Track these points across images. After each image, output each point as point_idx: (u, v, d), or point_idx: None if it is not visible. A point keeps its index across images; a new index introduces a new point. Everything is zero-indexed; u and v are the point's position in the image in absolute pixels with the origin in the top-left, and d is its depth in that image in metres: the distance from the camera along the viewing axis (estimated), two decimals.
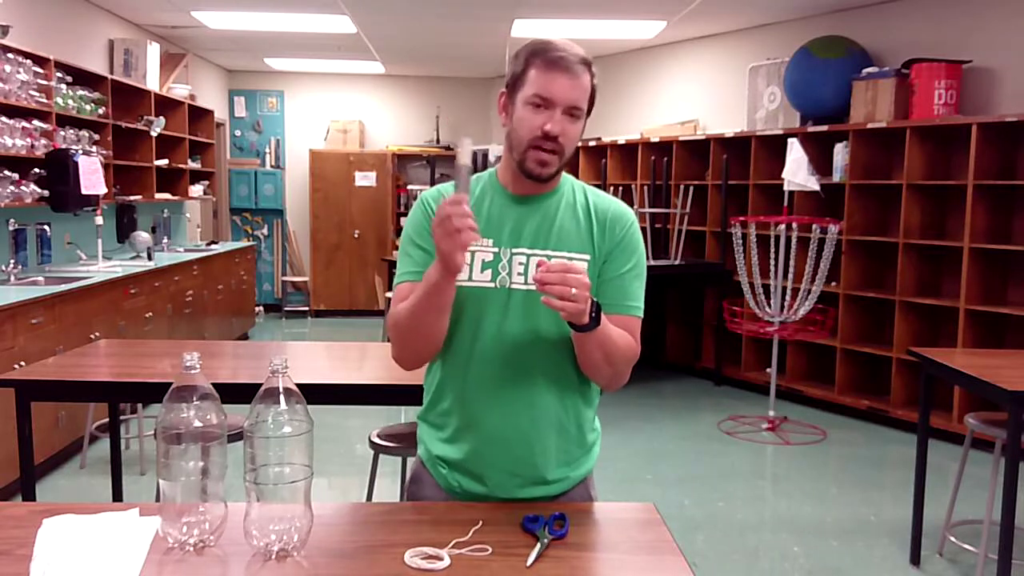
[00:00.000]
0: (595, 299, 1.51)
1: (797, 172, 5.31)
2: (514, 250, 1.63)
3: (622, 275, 1.65)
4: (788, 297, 5.37)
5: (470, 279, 1.62)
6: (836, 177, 5.76)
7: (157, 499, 1.50)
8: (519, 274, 1.62)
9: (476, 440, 1.65)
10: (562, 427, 1.67)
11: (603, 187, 6.78)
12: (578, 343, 1.57)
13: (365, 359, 3.27)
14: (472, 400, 1.64)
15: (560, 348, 1.63)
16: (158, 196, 6.89)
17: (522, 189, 1.66)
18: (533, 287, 1.55)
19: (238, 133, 10.03)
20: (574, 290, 1.43)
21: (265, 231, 9.99)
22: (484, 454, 1.65)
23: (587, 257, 1.64)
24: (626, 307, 1.65)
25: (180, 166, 7.38)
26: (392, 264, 7.11)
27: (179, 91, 7.43)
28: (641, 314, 1.68)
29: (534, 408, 1.63)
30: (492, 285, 1.62)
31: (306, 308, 9.90)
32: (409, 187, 9.90)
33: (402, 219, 8.64)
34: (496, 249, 1.63)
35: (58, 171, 5.01)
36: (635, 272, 1.67)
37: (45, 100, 4.96)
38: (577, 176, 9.53)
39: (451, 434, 1.68)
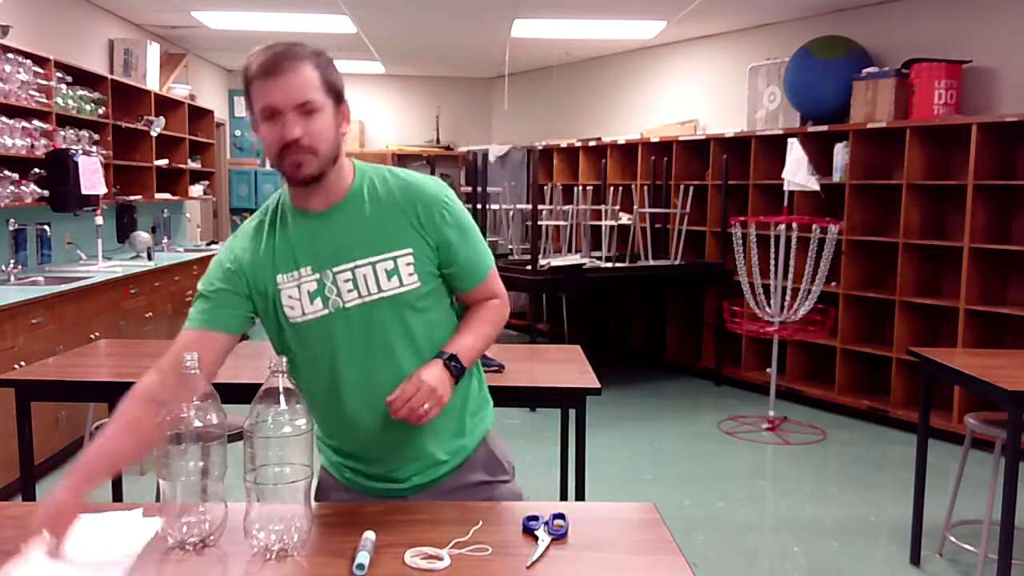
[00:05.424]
0: (445, 357, 1.58)
1: (797, 172, 5.30)
2: (335, 269, 1.58)
3: (465, 256, 1.65)
4: (788, 297, 5.37)
5: (303, 314, 1.59)
6: (836, 177, 5.76)
7: (157, 499, 1.50)
8: (349, 291, 1.58)
9: (368, 455, 1.68)
10: (445, 409, 1.62)
11: (603, 187, 6.77)
12: None
13: None
14: (352, 424, 1.64)
15: (418, 342, 1.62)
16: (158, 196, 6.89)
17: (316, 203, 1.60)
18: (368, 299, 1.58)
19: (238, 133, 10.03)
20: (426, 405, 1.50)
21: None
22: (380, 463, 1.68)
23: (410, 251, 1.59)
24: (479, 276, 1.69)
25: (180, 166, 7.38)
26: None
27: (179, 91, 7.43)
28: (492, 263, 1.71)
29: None
30: (327, 311, 1.58)
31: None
32: None
33: None
34: (317, 275, 1.58)
35: (58, 171, 5.01)
36: (472, 243, 1.66)
37: (45, 100, 4.96)
38: (577, 176, 9.42)
39: (346, 453, 1.71)
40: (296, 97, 1.48)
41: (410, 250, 1.59)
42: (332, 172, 1.57)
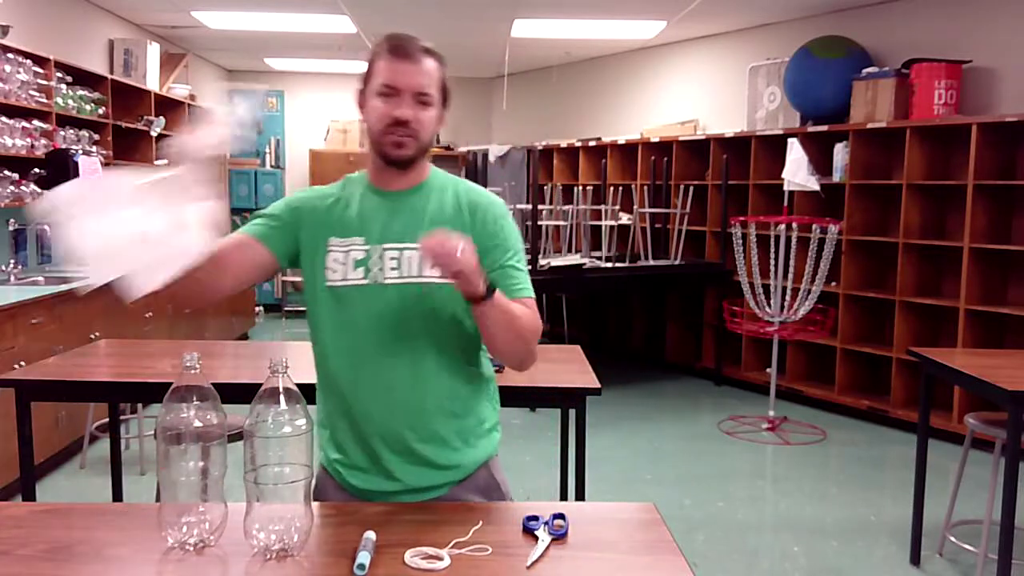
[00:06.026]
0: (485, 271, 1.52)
1: (797, 172, 5.30)
2: (385, 246, 1.65)
3: (505, 267, 1.67)
4: (788, 297, 5.37)
5: (344, 278, 1.65)
6: (836, 177, 5.76)
7: (157, 499, 1.50)
8: (392, 268, 1.64)
9: (368, 439, 1.67)
10: (453, 413, 1.69)
11: (603, 187, 6.77)
12: (481, 321, 1.57)
13: None
14: (359, 400, 1.66)
15: (442, 337, 1.65)
16: None
17: (390, 184, 1.70)
18: (407, 280, 1.62)
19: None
20: (461, 246, 1.43)
21: None
22: (374, 455, 1.67)
23: None
24: (516, 291, 1.67)
25: None
26: None
27: (179, 91, 7.42)
28: (532, 295, 1.71)
29: (424, 400, 1.65)
30: (365, 282, 1.64)
31: (306, 308, 9.89)
32: None
33: None
34: (367, 246, 1.66)
35: (58, 171, 5.01)
36: (516, 259, 1.70)
37: (45, 100, 4.96)
38: (577, 176, 9.44)
39: (344, 437, 1.70)
40: (418, 85, 1.61)
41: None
42: (419, 163, 1.69)
